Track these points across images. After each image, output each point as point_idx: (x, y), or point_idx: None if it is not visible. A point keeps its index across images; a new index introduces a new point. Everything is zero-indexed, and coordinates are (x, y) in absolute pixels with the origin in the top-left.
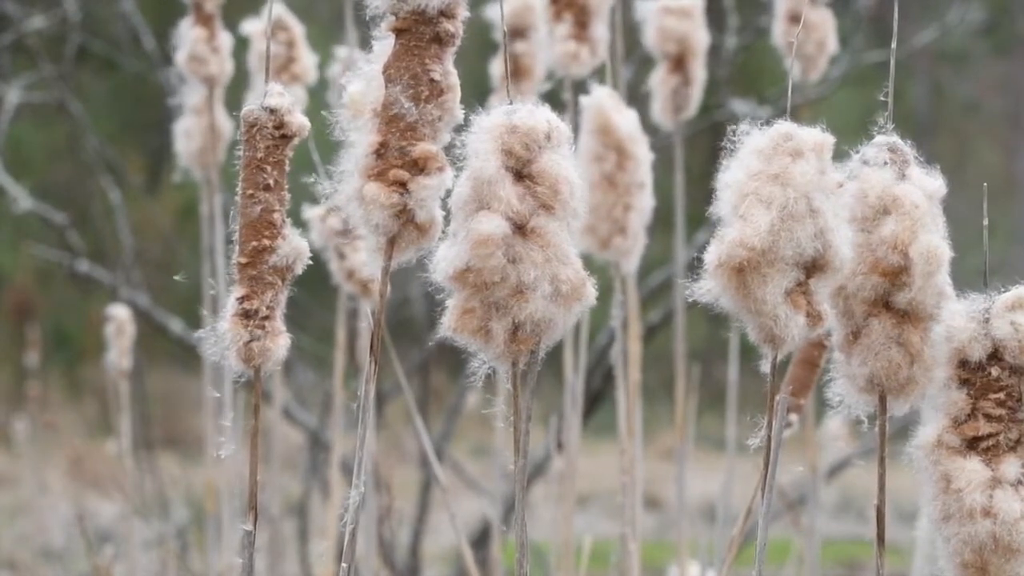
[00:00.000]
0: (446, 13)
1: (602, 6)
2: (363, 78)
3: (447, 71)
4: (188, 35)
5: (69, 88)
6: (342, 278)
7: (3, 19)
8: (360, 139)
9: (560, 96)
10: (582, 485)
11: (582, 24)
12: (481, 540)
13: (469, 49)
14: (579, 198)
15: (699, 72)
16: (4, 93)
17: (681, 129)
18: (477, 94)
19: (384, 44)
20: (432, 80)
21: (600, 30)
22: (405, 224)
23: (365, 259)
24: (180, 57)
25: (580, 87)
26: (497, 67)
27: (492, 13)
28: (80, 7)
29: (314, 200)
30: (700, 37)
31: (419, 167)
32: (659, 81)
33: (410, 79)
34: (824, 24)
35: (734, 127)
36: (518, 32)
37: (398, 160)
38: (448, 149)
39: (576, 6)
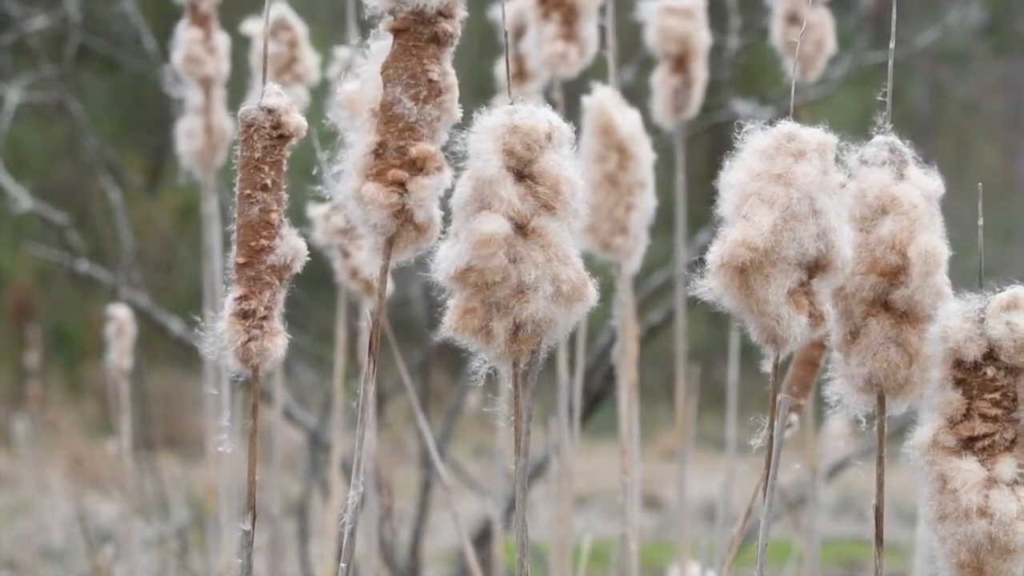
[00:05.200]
0: (444, 13)
1: (590, 5)
2: (359, 77)
3: (445, 71)
4: (184, 36)
5: (69, 88)
6: (346, 276)
7: (4, 19)
8: (358, 139)
9: (550, 96)
10: (581, 485)
11: (570, 24)
12: (481, 540)
13: (468, 49)
14: (580, 198)
15: (701, 72)
16: (4, 93)
17: (683, 129)
18: (476, 94)
19: (382, 44)
20: (430, 80)
21: (588, 29)
22: (404, 224)
23: (367, 258)
24: (176, 58)
25: (569, 87)
26: (502, 68)
27: (495, 14)
28: (81, 7)
29: (316, 199)
30: (702, 37)
31: (418, 167)
32: (660, 81)
33: (409, 79)
34: (823, 24)
35: (739, 127)
36: (521, 33)
37: (397, 160)
38: (446, 149)
39: (564, 6)
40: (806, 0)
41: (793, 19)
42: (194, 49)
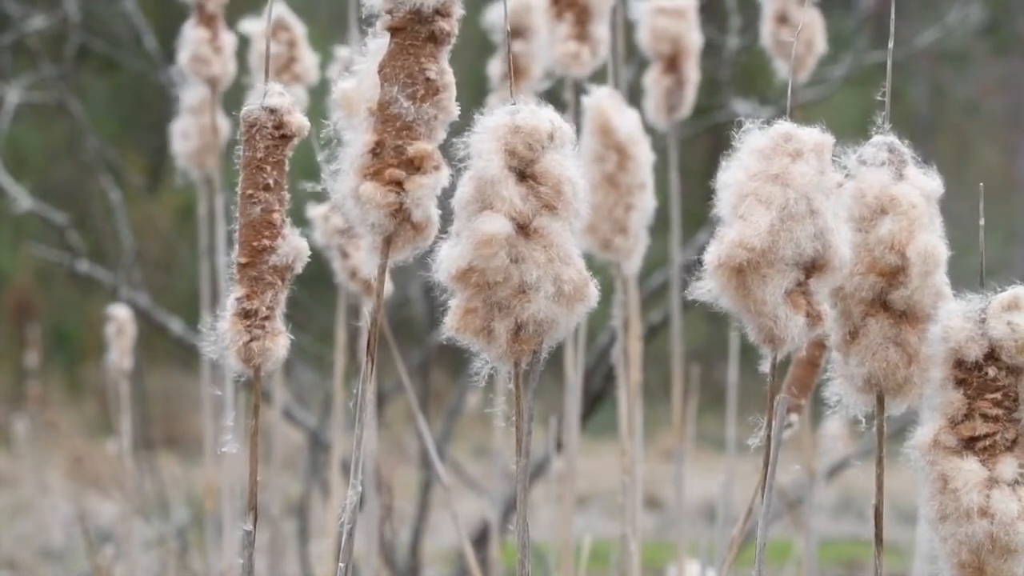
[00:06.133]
0: (441, 12)
1: (603, 6)
2: (356, 76)
3: (443, 70)
4: (191, 35)
5: (69, 88)
6: (345, 277)
7: (3, 19)
8: (356, 138)
9: (561, 96)
10: (582, 485)
11: (583, 24)
12: (481, 540)
13: (466, 49)
14: (582, 198)
15: (693, 73)
16: (4, 93)
17: (676, 129)
18: (473, 94)
19: (379, 43)
20: (428, 79)
21: (601, 30)
22: (401, 223)
23: (366, 258)
24: (183, 58)
25: (581, 87)
26: (495, 67)
27: (490, 16)
28: (81, 7)
29: (316, 199)
30: (693, 38)
31: (415, 166)
32: (653, 81)
33: (406, 78)
34: (812, 24)
35: (738, 127)
36: (516, 32)
37: (394, 159)
38: (444, 148)
39: (577, 6)
40: (797, 0)
41: (783, 19)
42: (201, 49)
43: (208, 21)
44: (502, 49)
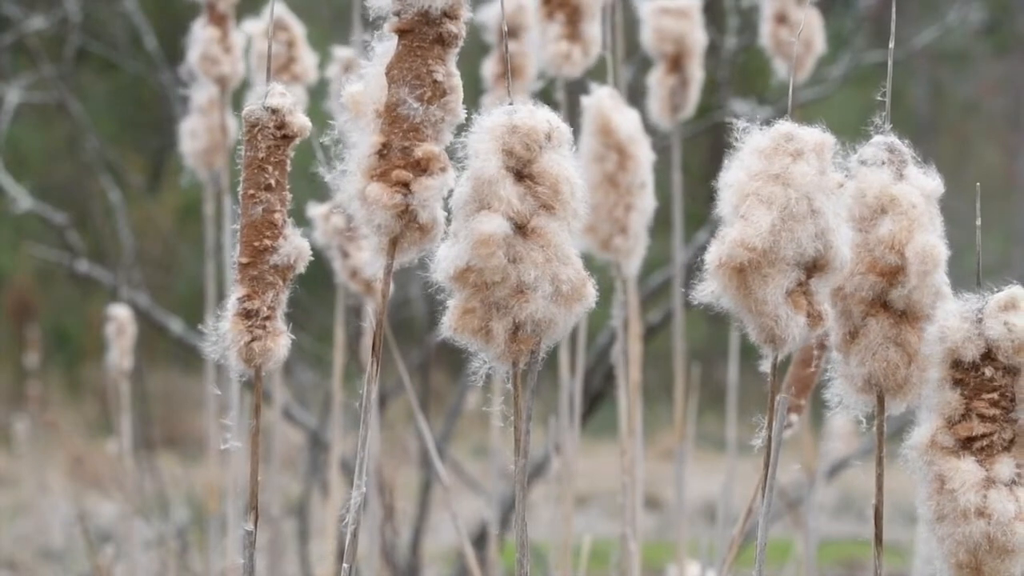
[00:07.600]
0: (449, 14)
1: (594, 6)
2: (363, 78)
3: (450, 72)
4: (200, 35)
5: (69, 88)
6: (345, 277)
7: (3, 19)
8: (362, 139)
9: (552, 96)
10: (582, 485)
11: (574, 24)
12: (481, 540)
13: (466, 50)
14: (580, 198)
15: (696, 72)
16: (4, 93)
17: (679, 129)
18: (467, 94)
19: (386, 45)
20: (435, 81)
21: (592, 30)
22: (407, 224)
23: (368, 258)
24: (192, 57)
25: (572, 87)
26: (490, 67)
27: (483, 15)
28: (80, 7)
29: (317, 198)
30: (697, 37)
31: (422, 167)
32: (656, 81)
33: (414, 80)
34: (811, 24)
35: (738, 127)
36: (510, 32)
37: (401, 160)
38: (449, 149)
39: (568, 6)
40: (796, 0)
41: (782, 19)
42: (211, 48)
43: (219, 20)
44: (498, 49)
